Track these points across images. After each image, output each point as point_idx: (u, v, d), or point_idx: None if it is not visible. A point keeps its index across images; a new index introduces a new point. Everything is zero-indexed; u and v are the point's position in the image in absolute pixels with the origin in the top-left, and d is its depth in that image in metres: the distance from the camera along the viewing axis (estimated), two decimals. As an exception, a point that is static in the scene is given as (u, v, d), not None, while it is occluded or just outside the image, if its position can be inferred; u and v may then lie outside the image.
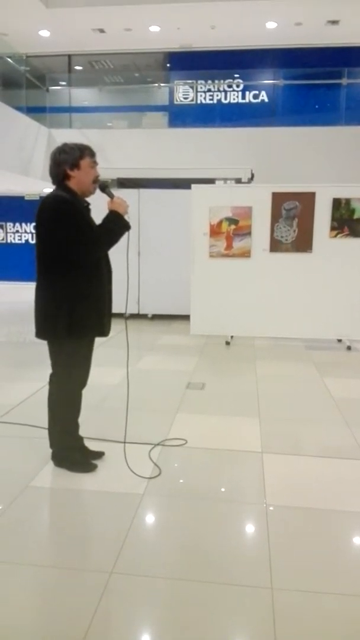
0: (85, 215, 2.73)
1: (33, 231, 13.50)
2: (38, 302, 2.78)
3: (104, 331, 2.82)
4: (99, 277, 2.76)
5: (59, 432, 2.93)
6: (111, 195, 2.83)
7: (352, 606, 1.89)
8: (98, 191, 2.82)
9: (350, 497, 2.71)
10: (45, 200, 2.70)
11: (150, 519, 2.49)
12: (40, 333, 2.80)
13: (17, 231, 13.79)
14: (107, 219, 2.75)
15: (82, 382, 2.92)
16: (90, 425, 3.50)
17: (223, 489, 2.78)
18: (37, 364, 5.17)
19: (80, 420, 3.57)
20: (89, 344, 2.90)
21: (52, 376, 2.89)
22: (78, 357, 2.83)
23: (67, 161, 2.70)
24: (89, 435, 3.16)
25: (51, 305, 2.70)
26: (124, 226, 2.74)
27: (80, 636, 1.72)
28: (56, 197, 2.68)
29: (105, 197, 2.83)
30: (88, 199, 2.80)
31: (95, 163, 2.79)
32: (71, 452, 2.94)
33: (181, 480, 2.87)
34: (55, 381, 2.88)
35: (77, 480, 2.83)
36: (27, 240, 13.60)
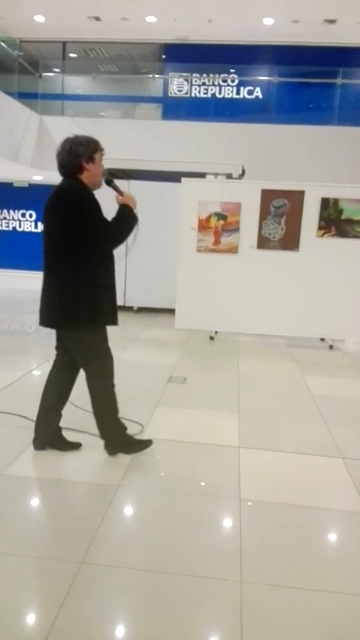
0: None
1: (21, 218, 13.39)
2: (52, 290, 2.77)
3: (116, 320, 2.88)
4: (113, 267, 2.84)
5: (108, 422, 2.93)
6: (118, 190, 2.87)
7: (318, 600, 1.92)
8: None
9: (323, 493, 2.74)
10: (63, 190, 2.72)
11: (124, 510, 2.49)
12: (53, 322, 2.82)
13: (5, 218, 13.66)
14: (121, 213, 2.80)
15: (112, 369, 2.94)
16: (69, 416, 3.49)
17: (198, 482, 2.80)
18: (18, 353, 5.15)
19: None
20: (105, 334, 2.92)
21: (88, 373, 2.89)
22: (103, 346, 2.87)
23: (84, 154, 2.72)
24: (67, 426, 3.15)
25: (69, 294, 2.71)
26: (135, 219, 2.83)
27: (47, 626, 1.72)
28: (76, 187, 2.71)
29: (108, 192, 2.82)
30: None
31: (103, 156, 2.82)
32: (123, 436, 2.97)
33: (161, 473, 2.88)
34: (92, 377, 2.88)
35: (52, 469, 2.83)
36: (14, 228, 13.48)
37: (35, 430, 3.01)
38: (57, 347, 3.00)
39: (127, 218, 2.80)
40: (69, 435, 3.07)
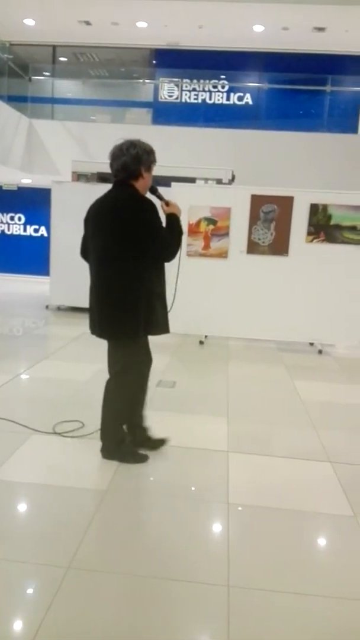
0: None
1: (9, 221, 13.33)
2: (108, 303, 2.74)
3: (168, 328, 2.90)
4: (164, 277, 2.87)
5: (112, 428, 2.94)
6: (164, 199, 2.88)
7: (306, 605, 1.91)
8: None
9: (311, 497, 2.74)
10: (128, 199, 2.70)
11: (111, 515, 2.47)
12: (109, 334, 2.82)
13: (-6, 221, 13.56)
14: (173, 222, 2.81)
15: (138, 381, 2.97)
16: (56, 422, 3.47)
17: (187, 487, 2.78)
18: (6, 357, 5.11)
19: (48, 415, 3.54)
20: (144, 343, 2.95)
21: (115, 373, 2.90)
22: (142, 352, 2.89)
23: (146, 162, 2.73)
24: (52, 431, 3.14)
25: (128, 308, 2.70)
26: (181, 229, 2.85)
27: (32, 631, 1.70)
28: (141, 197, 2.71)
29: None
30: None
31: None
32: (123, 444, 2.97)
33: (150, 478, 2.87)
34: (120, 378, 2.89)
35: (39, 474, 2.81)
36: (3, 231, 13.39)
37: (130, 434, 3.03)
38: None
39: (177, 227, 2.81)
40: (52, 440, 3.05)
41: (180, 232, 2.81)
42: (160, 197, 2.88)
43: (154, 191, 2.87)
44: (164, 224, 2.79)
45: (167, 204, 2.86)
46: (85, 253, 2.92)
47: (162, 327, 2.85)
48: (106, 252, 2.72)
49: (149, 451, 3.03)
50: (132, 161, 2.70)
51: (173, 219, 2.82)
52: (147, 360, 3.00)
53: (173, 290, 3.17)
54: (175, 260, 2.83)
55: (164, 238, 2.71)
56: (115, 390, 2.91)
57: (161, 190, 2.93)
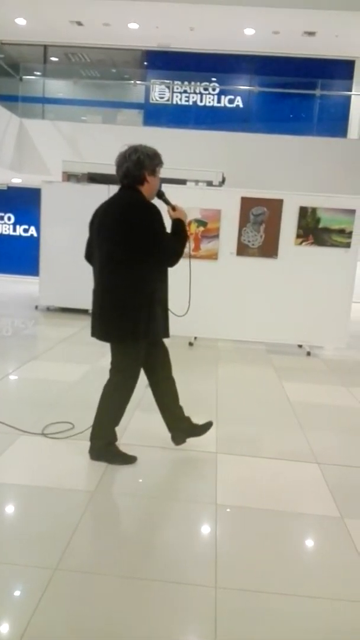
0: None
1: (-1, 222, 13.23)
2: (109, 307, 2.77)
3: (168, 333, 2.95)
4: (167, 282, 2.90)
5: (107, 427, 2.95)
6: (170, 203, 2.90)
7: (293, 606, 1.93)
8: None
9: (298, 498, 2.76)
10: (130, 204, 2.72)
11: (99, 516, 2.47)
12: (108, 337, 2.84)
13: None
14: (177, 227, 2.83)
15: (135, 385, 2.99)
16: (44, 422, 3.46)
17: (175, 488, 2.79)
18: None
19: (36, 416, 3.53)
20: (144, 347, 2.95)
21: (113, 374, 2.92)
22: (141, 356, 2.89)
23: (149, 166, 2.75)
24: (40, 432, 3.13)
25: (129, 312, 2.72)
26: (187, 234, 2.87)
27: (18, 634, 1.70)
28: (144, 202, 2.73)
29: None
30: None
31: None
32: (112, 445, 2.98)
33: (138, 479, 2.87)
34: (118, 379, 2.91)
35: (27, 476, 2.79)
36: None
37: (170, 429, 3.13)
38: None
39: (183, 232, 2.82)
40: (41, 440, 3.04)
41: (185, 237, 2.83)
42: (167, 202, 2.91)
43: (160, 196, 2.89)
44: (168, 229, 2.81)
45: (173, 208, 2.89)
46: (89, 256, 2.94)
47: (163, 332, 2.89)
48: (108, 255, 2.75)
49: (196, 437, 3.14)
50: (134, 167, 2.74)
51: (177, 223, 2.84)
52: (162, 360, 3.05)
53: (187, 295, 3.20)
54: (186, 266, 2.84)
55: (165, 243, 2.72)
56: (113, 392, 2.93)
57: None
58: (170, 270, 2.86)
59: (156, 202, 2.81)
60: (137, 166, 2.73)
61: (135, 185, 2.76)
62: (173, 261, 2.76)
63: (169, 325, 2.94)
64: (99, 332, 2.84)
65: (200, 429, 3.17)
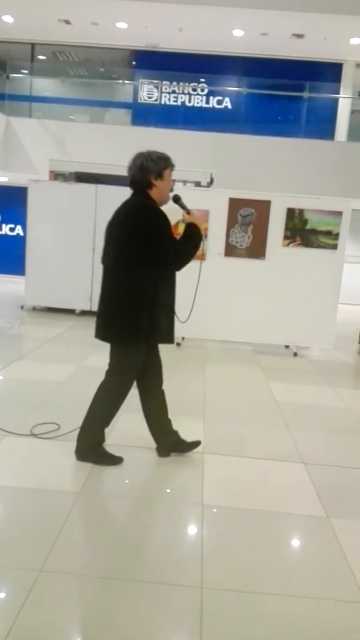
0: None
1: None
2: (112, 309, 2.78)
3: (172, 339, 2.92)
4: (174, 286, 2.87)
5: (96, 428, 2.94)
6: (186, 208, 2.89)
7: (279, 606, 1.93)
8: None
9: (284, 498, 2.77)
10: (133, 208, 2.73)
11: (85, 517, 2.46)
12: (111, 336, 2.83)
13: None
14: (191, 232, 2.81)
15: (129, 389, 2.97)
16: (30, 423, 3.43)
17: (162, 489, 2.78)
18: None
19: (22, 416, 3.51)
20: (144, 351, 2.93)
21: (110, 376, 2.91)
22: (140, 360, 2.87)
23: (154, 170, 2.74)
24: (27, 432, 3.10)
25: (130, 314, 2.73)
26: (201, 238, 2.84)
27: (3, 635, 1.68)
28: (147, 205, 2.73)
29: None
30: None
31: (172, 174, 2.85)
32: (99, 447, 2.97)
33: (124, 480, 2.85)
34: (114, 381, 2.90)
35: (12, 476, 2.77)
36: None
37: (155, 441, 3.10)
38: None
39: (195, 237, 2.81)
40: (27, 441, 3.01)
41: (196, 242, 2.80)
42: (182, 207, 2.90)
43: (176, 200, 2.89)
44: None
45: (188, 212, 2.88)
46: (103, 260, 2.96)
47: (166, 336, 2.87)
48: (113, 259, 2.79)
49: (180, 454, 3.10)
50: (139, 172, 2.75)
51: (190, 228, 2.83)
52: (156, 367, 3.02)
53: (192, 299, 3.19)
54: (195, 271, 2.82)
55: (169, 247, 2.71)
56: (107, 393, 2.91)
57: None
58: (178, 274, 2.85)
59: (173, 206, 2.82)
60: (142, 171, 2.75)
61: (144, 190, 2.77)
62: (178, 265, 2.76)
63: (173, 331, 2.91)
64: (101, 333, 2.85)
65: (186, 446, 3.14)
